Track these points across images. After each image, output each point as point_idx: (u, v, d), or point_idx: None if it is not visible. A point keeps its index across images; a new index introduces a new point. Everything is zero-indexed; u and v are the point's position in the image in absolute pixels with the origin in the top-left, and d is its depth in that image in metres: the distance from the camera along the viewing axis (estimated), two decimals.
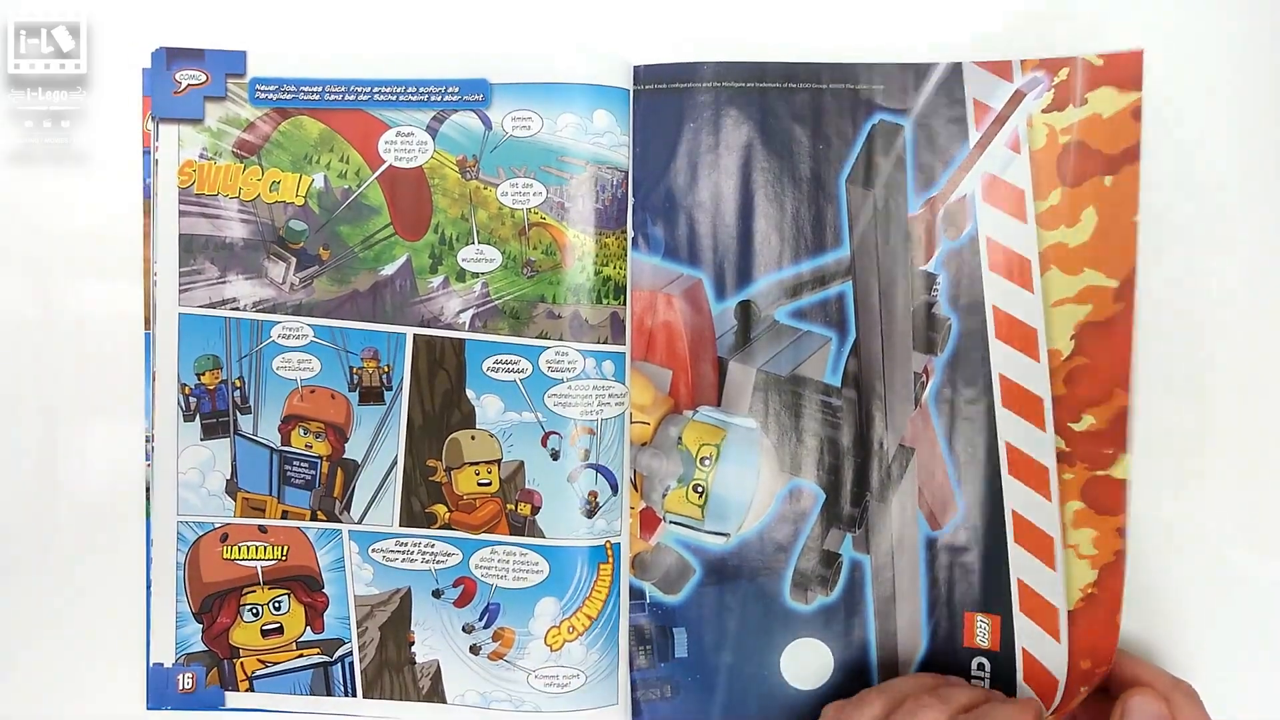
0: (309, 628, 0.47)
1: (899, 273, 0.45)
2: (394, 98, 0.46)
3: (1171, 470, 0.45)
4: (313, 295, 0.46)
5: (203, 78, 0.46)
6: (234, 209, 0.46)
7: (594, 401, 0.46)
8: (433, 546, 0.47)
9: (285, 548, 0.47)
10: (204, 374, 0.47)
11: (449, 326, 0.46)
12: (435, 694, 0.47)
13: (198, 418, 0.47)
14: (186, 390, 0.47)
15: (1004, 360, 0.45)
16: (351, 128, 0.46)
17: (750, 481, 0.46)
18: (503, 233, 0.45)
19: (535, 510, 0.46)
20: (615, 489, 0.46)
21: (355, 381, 0.46)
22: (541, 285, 0.45)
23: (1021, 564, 0.45)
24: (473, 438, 0.46)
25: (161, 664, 0.47)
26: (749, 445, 0.46)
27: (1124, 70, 0.43)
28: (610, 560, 0.46)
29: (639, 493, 0.47)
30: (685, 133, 0.46)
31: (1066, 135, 0.43)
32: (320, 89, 0.46)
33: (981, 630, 0.45)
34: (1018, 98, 0.44)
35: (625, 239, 0.46)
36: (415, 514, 0.47)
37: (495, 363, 0.46)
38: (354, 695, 0.47)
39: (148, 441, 0.47)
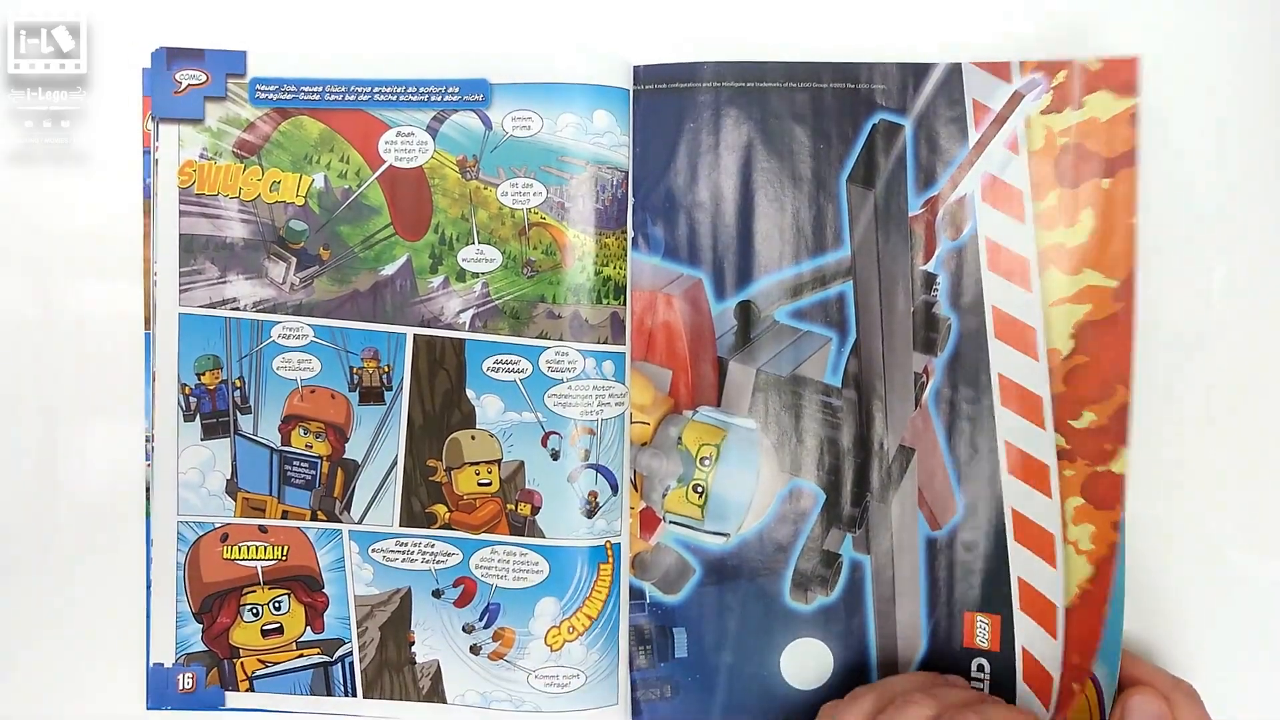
0: (309, 628, 0.48)
1: (899, 273, 0.45)
2: (394, 98, 0.46)
3: (1170, 470, 0.46)
4: (313, 295, 0.46)
5: (203, 78, 0.46)
6: (234, 209, 0.46)
7: (594, 401, 0.46)
8: (433, 546, 0.47)
9: (285, 548, 0.47)
10: (204, 374, 0.47)
11: (449, 326, 0.46)
12: (435, 694, 0.47)
13: (198, 418, 0.47)
14: (186, 390, 0.47)
15: (1003, 360, 0.45)
16: (352, 128, 0.46)
17: (750, 482, 0.46)
18: (503, 233, 0.45)
19: (535, 510, 0.46)
20: (615, 489, 0.46)
21: (355, 381, 0.47)
22: (541, 285, 0.45)
23: (1022, 563, 0.45)
24: (473, 438, 0.46)
25: (161, 664, 0.47)
26: (749, 445, 0.46)
27: (1120, 75, 0.43)
28: (610, 560, 0.46)
29: (639, 493, 0.47)
30: (685, 133, 0.46)
31: (1065, 137, 0.44)
32: (320, 89, 0.46)
33: (981, 630, 0.45)
34: (1016, 99, 0.44)
35: (625, 239, 0.46)
36: (415, 514, 0.47)
37: (495, 363, 0.46)
38: (354, 695, 0.48)
39: (148, 441, 0.47)
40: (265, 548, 0.47)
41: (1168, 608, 0.46)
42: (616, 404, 0.46)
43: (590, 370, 0.46)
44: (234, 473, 0.47)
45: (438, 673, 0.47)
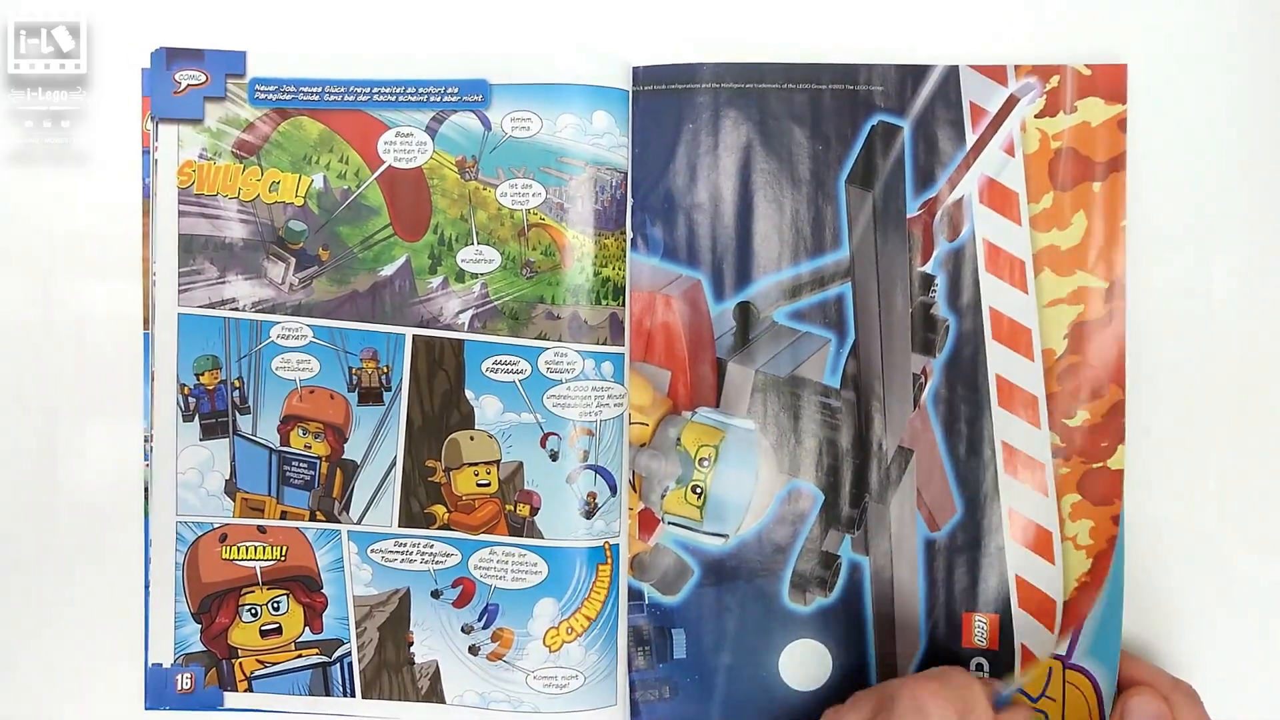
0: (308, 628, 0.48)
1: (898, 274, 0.46)
2: (393, 98, 0.46)
3: (1169, 469, 0.46)
4: (312, 296, 0.46)
5: (202, 78, 0.46)
6: (233, 209, 0.47)
7: (593, 402, 0.46)
8: (431, 547, 0.47)
9: (284, 548, 0.47)
10: (203, 374, 0.47)
11: (448, 327, 0.46)
12: (434, 694, 0.47)
13: (197, 418, 0.47)
14: (186, 390, 0.47)
15: (1001, 360, 0.45)
16: (351, 128, 0.46)
17: (749, 483, 0.46)
18: (502, 233, 0.45)
19: (534, 511, 0.46)
20: (614, 490, 0.46)
21: (354, 382, 0.47)
22: (541, 286, 0.45)
23: (1020, 561, 0.46)
24: (472, 438, 0.46)
25: (160, 664, 0.48)
26: (748, 446, 0.46)
27: (1109, 82, 0.45)
28: (609, 561, 0.46)
29: (638, 494, 0.47)
30: (684, 134, 0.46)
31: (1058, 141, 0.45)
32: (320, 89, 0.46)
33: (980, 629, 0.46)
34: (1012, 102, 0.45)
35: (624, 240, 0.46)
36: (414, 514, 0.47)
37: (494, 363, 0.46)
38: (353, 696, 0.48)
39: (146, 441, 0.48)
40: (264, 548, 0.47)
41: (1167, 608, 0.46)
42: (615, 405, 0.46)
43: (589, 371, 0.46)
44: (233, 473, 0.47)
45: (436, 673, 0.47)
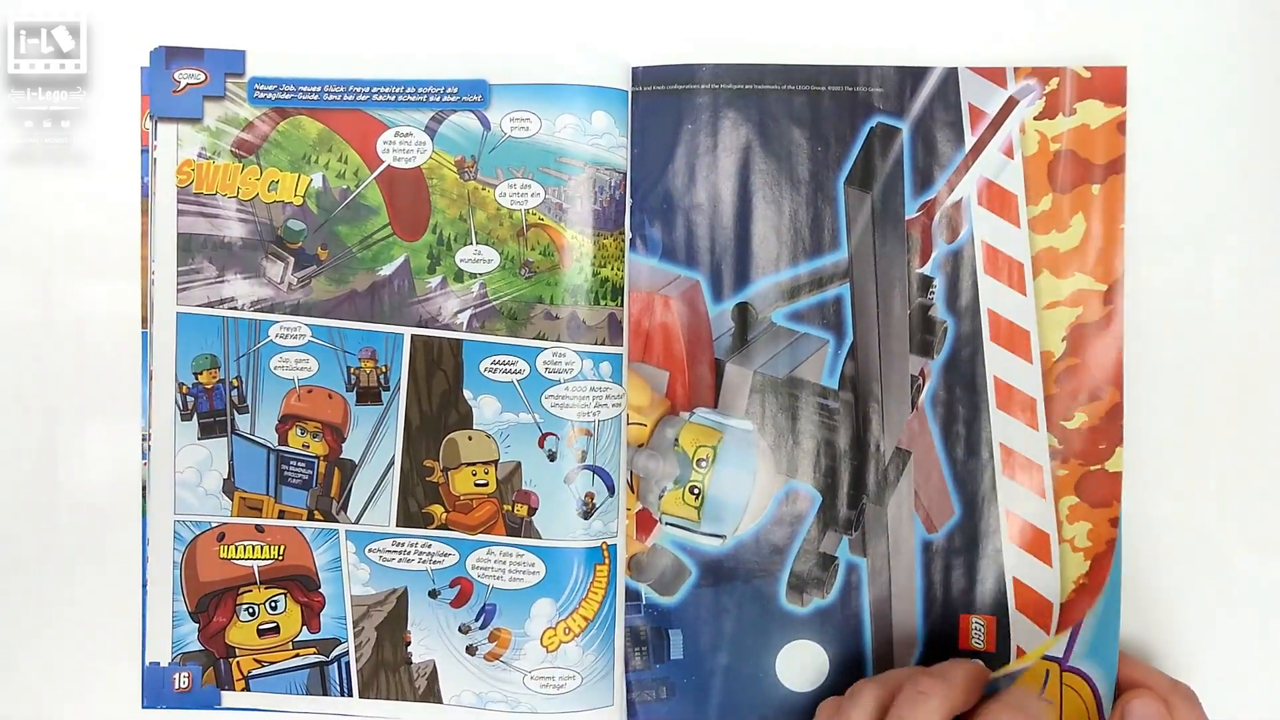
0: (305, 627, 0.48)
1: (896, 275, 0.46)
2: (393, 98, 0.46)
3: (1167, 471, 0.46)
4: (311, 295, 0.46)
5: (201, 77, 0.46)
6: (232, 208, 0.46)
7: (591, 403, 0.46)
8: (429, 547, 0.47)
9: (282, 547, 0.47)
10: (201, 373, 0.47)
11: (447, 327, 0.46)
12: (431, 694, 0.47)
13: (195, 417, 0.47)
14: (184, 389, 0.47)
15: (999, 362, 0.46)
16: (350, 128, 0.46)
17: (746, 483, 0.46)
18: (501, 233, 0.45)
19: (532, 511, 0.45)
20: (612, 490, 0.46)
21: (353, 381, 0.47)
22: (539, 286, 0.45)
23: (1017, 563, 0.46)
24: (470, 438, 0.46)
25: (158, 663, 0.48)
26: (745, 447, 0.46)
27: (1109, 84, 0.45)
28: (606, 561, 0.47)
29: (635, 494, 0.47)
30: (684, 134, 0.46)
31: (1057, 143, 0.45)
32: (319, 89, 0.45)
33: (977, 631, 0.46)
34: (1011, 104, 0.45)
35: (623, 240, 0.46)
36: (412, 514, 0.47)
37: (493, 363, 0.46)
38: (350, 695, 0.48)
39: (144, 441, 0.48)
40: (262, 547, 0.47)
41: (1165, 609, 0.46)
42: (613, 405, 0.46)
43: (587, 371, 0.46)
44: (231, 472, 0.47)
45: (434, 673, 0.47)
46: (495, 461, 0.46)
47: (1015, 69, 0.45)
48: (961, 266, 0.45)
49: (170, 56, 0.46)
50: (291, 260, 0.46)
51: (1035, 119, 0.45)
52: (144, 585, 0.47)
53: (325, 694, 0.47)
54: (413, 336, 0.46)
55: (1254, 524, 0.46)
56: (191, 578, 0.47)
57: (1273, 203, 0.46)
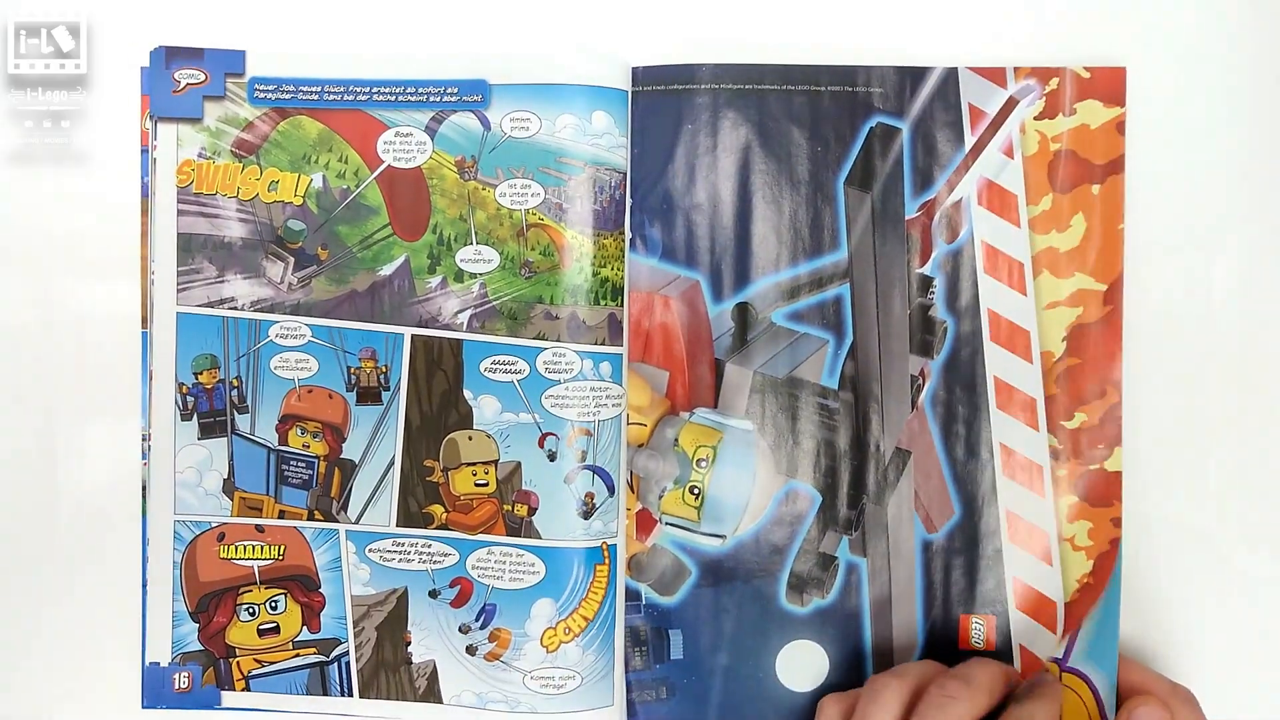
0: (305, 627, 0.48)
1: (896, 275, 0.46)
2: (393, 98, 0.46)
3: (1166, 471, 0.46)
4: (311, 295, 0.46)
5: (202, 77, 0.46)
6: (232, 208, 0.46)
7: (591, 403, 0.46)
8: (429, 547, 0.47)
9: (282, 547, 0.47)
10: (201, 373, 0.47)
11: (447, 327, 0.46)
12: (431, 694, 0.47)
13: (195, 417, 0.47)
14: (184, 389, 0.47)
15: (999, 362, 0.46)
16: (350, 128, 0.46)
17: (746, 483, 0.46)
18: (501, 233, 0.45)
19: (532, 511, 0.45)
20: (612, 490, 0.46)
21: (353, 381, 0.47)
22: (539, 286, 0.45)
23: (1018, 563, 0.46)
24: (470, 438, 0.46)
25: (158, 663, 0.48)
26: (745, 447, 0.46)
27: (1108, 85, 0.45)
28: (606, 562, 0.46)
29: (635, 494, 0.47)
30: (683, 134, 0.46)
31: (1057, 143, 0.45)
32: (319, 89, 0.45)
33: (977, 631, 0.46)
34: (1011, 104, 0.45)
35: (623, 240, 0.46)
36: (412, 514, 0.47)
37: (493, 363, 0.46)
38: (350, 695, 0.48)
39: (144, 441, 0.48)
40: (262, 547, 0.47)
41: (1165, 610, 0.46)
42: (613, 405, 0.46)
43: (587, 371, 0.46)
44: (231, 472, 0.47)
45: (434, 673, 0.47)
46: (495, 461, 0.46)
47: (1015, 69, 0.45)
48: (961, 266, 0.45)
49: (170, 56, 0.46)
50: (291, 260, 0.46)
51: (1035, 119, 0.45)
52: (144, 585, 0.47)
53: (325, 694, 0.47)
54: (413, 336, 0.46)
55: (1254, 524, 0.46)
56: (191, 578, 0.47)
57: (1273, 203, 0.46)
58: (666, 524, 0.47)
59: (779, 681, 0.46)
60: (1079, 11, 0.46)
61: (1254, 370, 0.46)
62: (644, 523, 0.47)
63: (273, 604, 0.47)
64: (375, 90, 0.46)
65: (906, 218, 0.45)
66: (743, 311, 0.46)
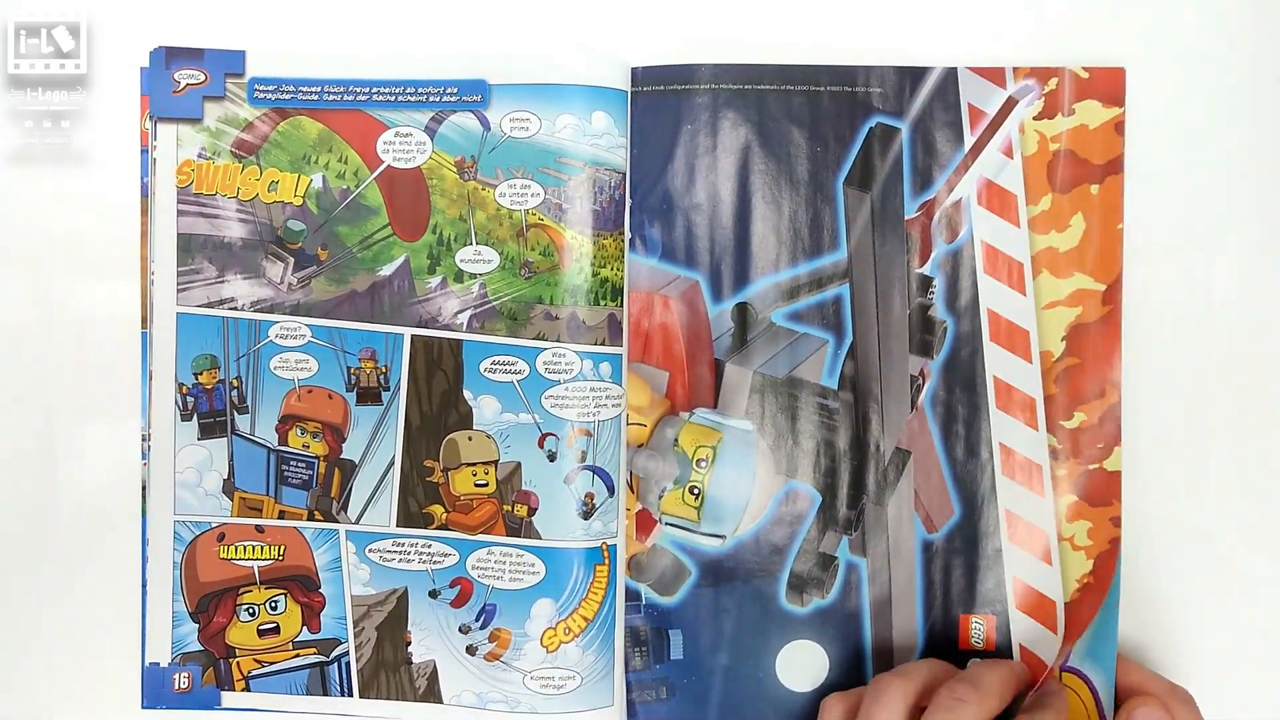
0: (305, 627, 0.48)
1: (896, 275, 0.46)
2: (392, 98, 0.46)
3: (1166, 471, 0.46)
4: (311, 295, 0.46)
5: (201, 77, 0.46)
6: (232, 209, 0.46)
7: (591, 403, 0.46)
8: (429, 547, 0.47)
9: (282, 547, 0.47)
10: (201, 374, 0.47)
11: (447, 327, 0.46)
12: (431, 694, 0.47)
13: (195, 417, 0.47)
14: (184, 390, 0.47)
15: (998, 362, 0.46)
16: (350, 128, 0.46)
17: (746, 484, 0.46)
18: (501, 234, 0.45)
19: (532, 511, 0.45)
20: (612, 490, 0.46)
21: (353, 382, 0.47)
22: (539, 286, 0.45)
23: (1018, 562, 0.46)
24: (470, 438, 0.46)
25: (157, 663, 0.48)
26: (745, 447, 0.46)
27: (1107, 85, 0.45)
28: (606, 562, 0.46)
29: (635, 494, 0.47)
30: (683, 134, 0.46)
31: (1056, 143, 0.45)
32: (319, 89, 0.45)
33: (976, 630, 0.46)
34: (1010, 104, 0.45)
35: (623, 240, 0.46)
36: (412, 514, 0.47)
37: (493, 364, 0.46)
38: (350, 695, 0.48)
39: (144, 441, 0.48)
40: (262, 547, 0.47)
41: (1164, 610, 0.46)
42: (613, 405, 0.46)
43: (587, 372, 0.46)
44: (231, 472, 0.47)
45: (434, 673, 0.47)
46: (495, 462, 0.46)
47: (1014, 69, 0.45)
48: (961, 266, 0.45)
49: (170, 57, 0.46)
50: (291, 260, 0.46)
51: (1034, 119, 0.45)
52: (144, 585, 0.47)
53: (325, 694, 0.47)
54: (413, 337, 0.46)
55: (1254, 524, 0.46)
56: (191, 578, 0.47)
57: (1273, 203, 0.46)
58: (666, 524, 0.47)
59: (779, 681, 0.46)
60: (1078, 11, 0.46)
61: (1254, 370, 0.46)
62: (644, 523, 0.47)
63: (273, 604, 0.47)
64: (375, 90, 0.46)
65: (906, 218, 0.45)
66: (742, 311, 0.46)
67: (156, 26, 0.46)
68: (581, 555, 0.46)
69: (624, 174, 0.46)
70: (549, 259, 0.46)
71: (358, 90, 0.46)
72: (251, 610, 0.47)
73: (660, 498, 0.47)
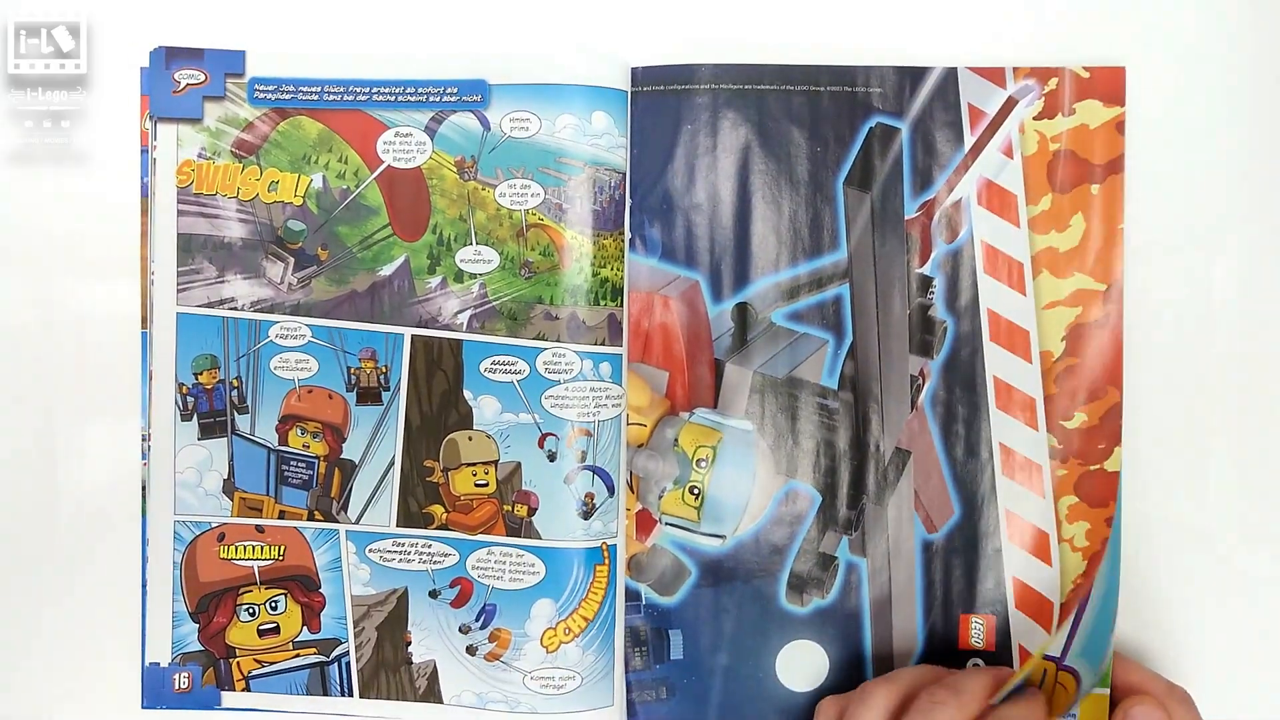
0: (306, 627, 0.48)
1: (896, 275, 0.46)
2: (393, 98, 0.46)
3: (1166, 471, 0.46)
4: (311, 295, 0.46)
5: (201, 77, 0.46)
6: (232, 209, 0.46)
7: (591, 403, 0.46)
8: (430, 547, 0.47)
9: (282, 547, 0.47)
10: (201, 374, 0.47)
11: (447, 327, 0.46)
12: (431, 694, 0.47)
13: (195, 417, 0.47)
14: (184, 390, 0.47)
15: (998, 362, 0.46)
16: (350, 128, 0.46)
17: (746, 484, 0.46)
18: (501, 234, 0.45)
19: (532, 511, 0.45)
20: (612, 490, 0.46)
21: (353, 382, 0.47)
22: (539, 286, 0.45)
23: (1018, 563, 0.46)
24: (470, 438, 0.46)
25: (158, 663, 0.48)
26: (745, 447, 0.46)
27: (1108, 85, 0.45)
28: (606, 562, 0.47)
29: (635, 494, 0.47)
30: (683, 134, 0.46)
31: (1056, 143, 0.45)
32: (319, 89, 0.45)
33: (976, 630, 0.46)
34: (1010, 104, 0.45)
35: (623, 240, 0.46)
36: (412, 514, 0.47)
37: (493, 364, 0.46)
38: (350, 695, 0.48)
39: (144, 441, 0.48)
40: (262, 547, 0.47)
41: (1164, 610, 0.46)
42: (613, 405, 0.46)
43: (587, 372, 0.46)
44: (231, 472, 0.47)
45: (434, 673, 0.47)
46: (495, 462, 0.46)
47: (1014, 69, 0.45)
48: (961, 266, 0.45)
49: (170, 57, 0.46)
50: (291, 260, 0.46)
51: (1034, 119, 0.45)
52: (144, 585, 0.47)
53: (325, 694, 0.47)
54: (413, 337, 0.46)
55: (1254, 524, 0.46)
56: (191, 578, 0.47)
57: (1272, 203, 0.46)
58: (666, 524, 0.47)
59: (779, 681, 0.46)
60: (1078, 11, 0.46)
61: (1254, 370, 0.46)
62: (644, 523, 0.47)
63: (273, 604, 0.47)
64: (375, 90, 0.46)
65: (906, 218, 0.45)
66: (742, 311, 0.46)
67: (156, 26, 0.46)
68: (581, 555, 0.46)
69: (624, 174, 0.46)
70: (549, 259, 0.46)
71: (358, 90, 0.46)
72: (251, 610, 0.47)
73: (660, 498, 0.46)
